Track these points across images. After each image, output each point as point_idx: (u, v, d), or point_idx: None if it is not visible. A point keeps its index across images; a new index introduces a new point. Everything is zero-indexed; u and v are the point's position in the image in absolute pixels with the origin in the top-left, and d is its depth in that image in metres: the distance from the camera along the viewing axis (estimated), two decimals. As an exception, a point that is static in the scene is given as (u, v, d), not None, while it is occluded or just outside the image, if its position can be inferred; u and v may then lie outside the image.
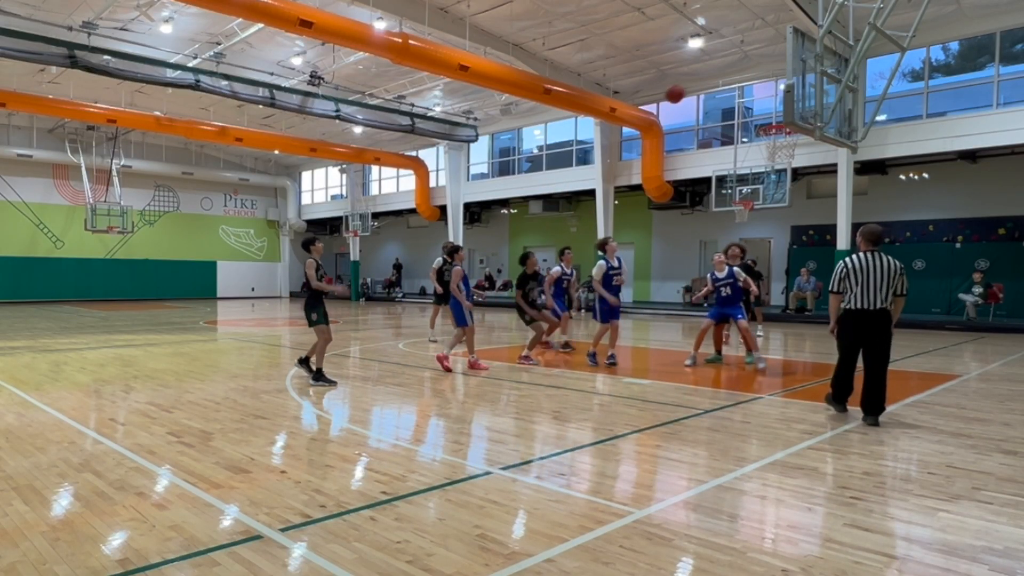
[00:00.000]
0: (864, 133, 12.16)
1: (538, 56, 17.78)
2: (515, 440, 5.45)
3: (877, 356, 5.96)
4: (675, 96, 14.11)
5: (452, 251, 9.39)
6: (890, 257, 6.01)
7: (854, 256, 6.12)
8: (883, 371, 5.95)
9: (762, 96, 19.24)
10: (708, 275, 9.78)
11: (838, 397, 6.31)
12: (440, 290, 12.31)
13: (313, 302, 7.79)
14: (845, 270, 6.08)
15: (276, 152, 30.17)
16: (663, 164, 20.00)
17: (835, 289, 6.18)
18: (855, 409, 6.31)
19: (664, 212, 23.36)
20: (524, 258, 10.42)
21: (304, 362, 8.01)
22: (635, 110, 19.33)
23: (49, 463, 4.64)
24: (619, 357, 9.65)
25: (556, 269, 10.76)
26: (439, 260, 12.38)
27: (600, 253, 9.74)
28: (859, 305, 5.99)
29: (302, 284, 8.22)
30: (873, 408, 5.94)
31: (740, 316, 9.47)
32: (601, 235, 21.45)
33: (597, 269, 9.39)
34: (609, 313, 9.40)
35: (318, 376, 7.81)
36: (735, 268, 9.52)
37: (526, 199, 25.46)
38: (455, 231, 26.23)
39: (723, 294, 9.45)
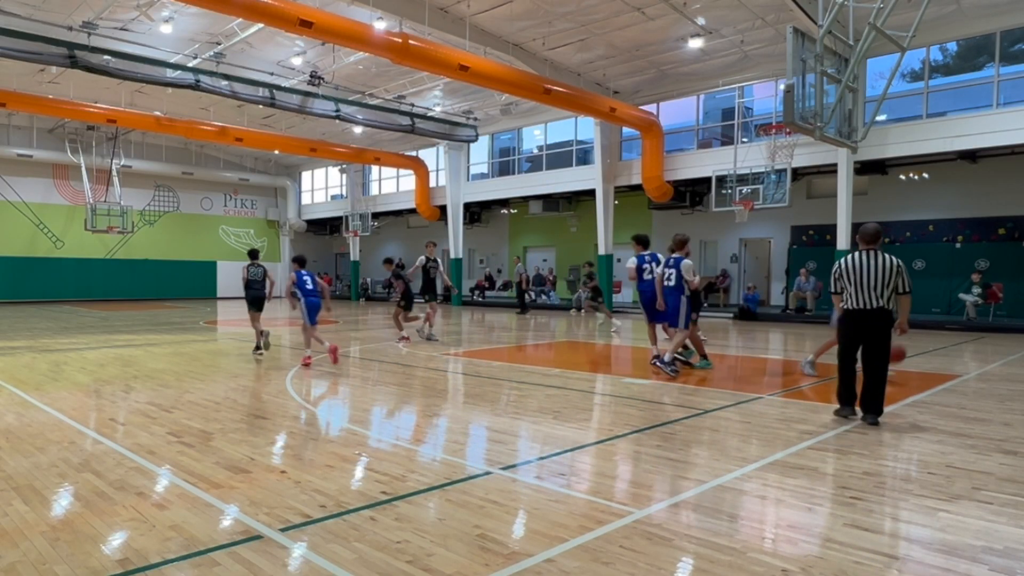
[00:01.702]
0: (864, 133, 12.16)
1: (538, 56, 17.78)
2: (515, 440, 5.45)
3: (875, 354, 5.92)
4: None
5: (297, 260, 9.80)
6: (888, 255, 5.92)
7: (849, 256, 6.09)
8: (883, 371, 5.93)
9: (762, 96, 19.23)
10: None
11: (842, 400, 6.22)
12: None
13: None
14: (839, 271, 6.11)
15: (276, 152, 30.16)
16: (663, 164, 20.00)
17: (833, 290, 6.21)
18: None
19: (664, 212, 23.34)
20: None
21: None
22: (635, 110, 19.33)
23: (49, 463, 4.64)
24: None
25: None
26: (422, 259, 12.69)
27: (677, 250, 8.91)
28: (855, 304, 5.97)
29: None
30: (872, 407, 5.92)
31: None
32: (601, 235, 21.48)
33: (687, 268, 8.64)
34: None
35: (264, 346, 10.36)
36: None
37: (526, 199, 25.44)
38: (455, 231, 26.23)
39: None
